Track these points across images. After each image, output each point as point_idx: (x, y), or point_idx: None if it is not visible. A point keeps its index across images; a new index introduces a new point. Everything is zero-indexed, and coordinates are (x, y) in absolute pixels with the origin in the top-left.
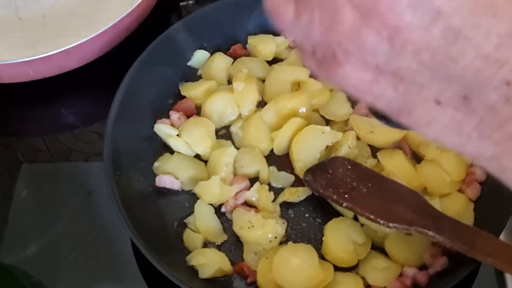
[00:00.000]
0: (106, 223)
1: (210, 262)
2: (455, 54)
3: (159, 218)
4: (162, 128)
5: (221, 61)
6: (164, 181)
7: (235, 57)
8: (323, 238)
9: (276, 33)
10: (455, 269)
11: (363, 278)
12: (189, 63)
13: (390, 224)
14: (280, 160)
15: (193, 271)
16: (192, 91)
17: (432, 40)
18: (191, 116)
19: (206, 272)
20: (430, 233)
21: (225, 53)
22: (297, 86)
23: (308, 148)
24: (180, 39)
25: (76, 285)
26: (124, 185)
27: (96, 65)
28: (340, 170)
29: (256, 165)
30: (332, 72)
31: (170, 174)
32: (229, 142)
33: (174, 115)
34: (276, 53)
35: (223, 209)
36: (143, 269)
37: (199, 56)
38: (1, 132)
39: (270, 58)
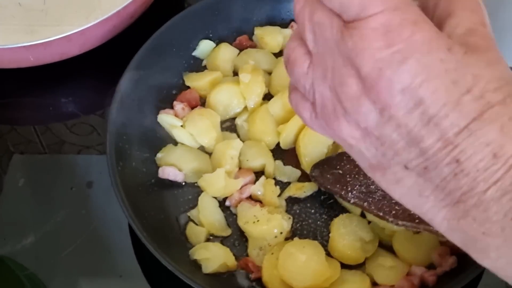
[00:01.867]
0: (105, 215)
1: (213, 256)
2: (425, 134)
3: (162, 210)
4: (166, 119)
5: (227, 51)
6: (167, 172)
7: (241, 48)
8: (330, 235)
9: (283, 25)
10: (462, 269)
11: (370, 277)
12: (194, 53)
13: (399, 222)
14: (286, 154)
15: (196, 265)
16: (197, 81)
17: (411, 119)
18: (195, 107)
19: (209, 267)
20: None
21: (231, 44)
22: None
23: (316, 142)
24: (185, 29)
25: (72, 278)
26: (127, 176)
27: (98, 52)
28: (348, 166)
29: (262, 158)
30: (328, 123)
31: (174, 166)
32: (234, 134)
33: (178, 106)
34: (283, 46)
35: (227, 203)
36: (142, 263)
37: (204, 46)
38: None
39: (277, 51)
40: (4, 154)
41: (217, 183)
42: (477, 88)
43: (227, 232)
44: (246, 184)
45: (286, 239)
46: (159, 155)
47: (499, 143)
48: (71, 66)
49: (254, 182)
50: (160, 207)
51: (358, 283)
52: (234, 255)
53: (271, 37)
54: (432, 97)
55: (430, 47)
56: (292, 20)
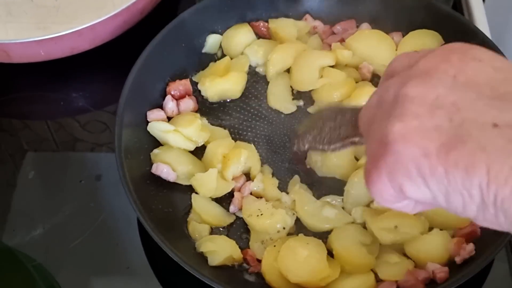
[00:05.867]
0: (113, 208)
1: (219, 249)
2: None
3: (170, 204)
4: (157, 126)
5: (244, 36)
6: (161, 169)
7: (256, 32)
8: (333, 252)
9: (296, 17)
10: (467, 268)
11: (374, 272)
12: (204, 50)
13: (327, 147)
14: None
15: (203, 258)
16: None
17: (402, 207)
18: (186, 95)
19: (215, 259)
20: (357, 139)
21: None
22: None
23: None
24: (195, 24)
25: (80, 270)
26: (135, 169)
27: (109, 47)
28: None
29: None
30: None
31: (168, 165)
32: (226, 132)
33: (170, 105)
34: (298, 37)
35: (232, 209)
36: (149, 255)
37: (212, 41)
38: (8, 114)
39: (292, 43)
40: (17, 151)
41: (209, 184)
42: None
43: (230, 219)
44: (243, 184)
45: (289, 235)
46: (156, 151)
47: None
48: (82, 61)
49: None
50: (168, 201)
51: (363, 278)
52: (240, 247)
53: (285, 29)
54: (415, 195)
55: None
56: (307, 12)
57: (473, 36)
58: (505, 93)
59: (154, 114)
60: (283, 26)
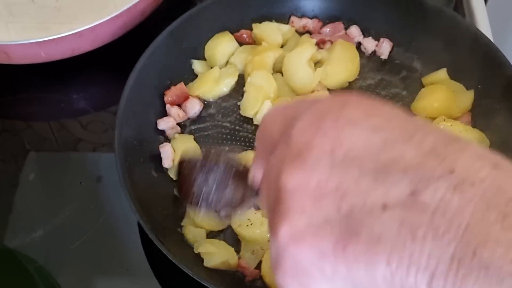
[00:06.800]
0: (113, 210)
1: (217, 252)
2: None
3: (170, 206)
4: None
5: (227, 45)
6: (165, 150)
7: (240, 42)
8: None
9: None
10: None
11: None
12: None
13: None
14: None
15: (202, 261)
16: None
17: None
18: (187, 99)
19: (212, 261)
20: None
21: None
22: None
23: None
24: (195, 26)
25: (80, 271)
26: (135, 171)
27: (109, 49)
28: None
29: None
30: None
31: (173, 152)
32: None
33: (173, 111)
34: (283, 43)
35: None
36: (149, 257)
37: (198, 65)
38: (9, 115)
39: (276, 48)
40: (20, 151)
41: None
42: None
43: (224, 224)
44: None
45: None
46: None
47: None
48: (82, 63)
49: None
50: (168, 203)
51: None
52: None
53: (269, 35)
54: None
55: None
56: (292, 14)
57: (475, 39)
58: (387, 162)
59: (164, 122)
60: (267, 30)
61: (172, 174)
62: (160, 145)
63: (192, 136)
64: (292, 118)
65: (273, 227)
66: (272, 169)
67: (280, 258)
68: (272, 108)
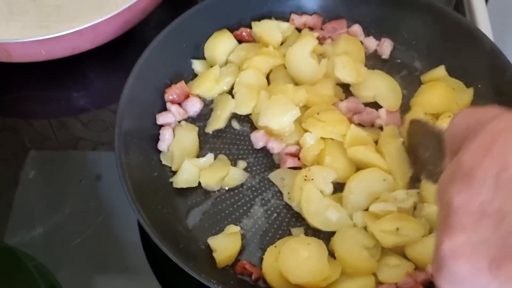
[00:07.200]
0: (113, 208)
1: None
2: None
3: (170, 204)
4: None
5: (226, 43)
6: (165, 134)
7: (240, 40)
8: (335, 255)
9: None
10: None
11: (374, 275)
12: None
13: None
14: None
15: (202, 259)
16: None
17: None
18: (186, 99)
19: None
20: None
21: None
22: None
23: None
24: (196, 25)
25: (80, 269)
26: (134, 169)
27: (110, 47)
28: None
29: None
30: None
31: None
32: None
33: (173, 108)
34: (283, 41)
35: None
36: (149, 255)
37: (198, 64)
38: (10, 113)
39: (276, 47)
40: (20, 149)
41: None
42: None
43: None
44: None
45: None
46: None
47: None
48: (83, 61)
49: None
50: (168, 201)
51: (363, 281)
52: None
53: (269, 34)
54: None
55: None
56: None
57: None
58: None
59: (162, 117)
60: (266, 29)
61: (165, 160)
62: (162, 128)
63: (196, 128)
64: (477, 124)
65: (439, 236)
66: (445, 179)
67: (440, 266)
68: (460, 112)
